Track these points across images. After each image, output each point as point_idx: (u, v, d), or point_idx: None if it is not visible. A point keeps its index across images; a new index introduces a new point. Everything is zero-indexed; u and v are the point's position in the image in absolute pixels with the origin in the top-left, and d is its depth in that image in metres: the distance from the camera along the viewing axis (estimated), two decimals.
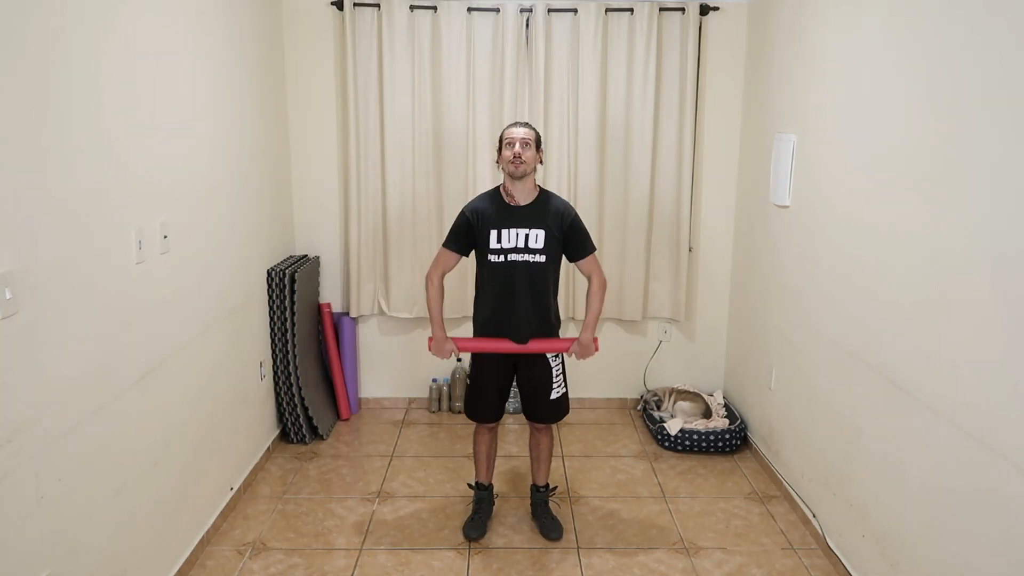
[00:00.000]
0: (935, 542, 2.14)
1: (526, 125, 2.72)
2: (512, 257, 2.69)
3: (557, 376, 2.83)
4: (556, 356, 2.82)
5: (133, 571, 2.28)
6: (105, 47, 2.10)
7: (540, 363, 2.80)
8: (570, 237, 2.74)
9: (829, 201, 2.83)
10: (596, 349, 2.82)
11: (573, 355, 2.82)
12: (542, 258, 2.70)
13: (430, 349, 2.81)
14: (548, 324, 2.78)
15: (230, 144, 3.04)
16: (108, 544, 2.15)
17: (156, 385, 2.42)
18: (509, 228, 2.70)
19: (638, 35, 3.73)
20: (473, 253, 2.81)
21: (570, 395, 2.99)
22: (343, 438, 3.83)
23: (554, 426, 3.18)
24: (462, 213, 2.77)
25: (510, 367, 2.84)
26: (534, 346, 2.74)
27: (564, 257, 2.79)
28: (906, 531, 2.29)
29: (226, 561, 2.74)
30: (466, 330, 3.80)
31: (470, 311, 3.62)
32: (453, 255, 2.78)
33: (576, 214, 2.76)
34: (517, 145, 2.65)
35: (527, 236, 2.69)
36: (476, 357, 2.85)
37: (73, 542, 1.97)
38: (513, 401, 4.00)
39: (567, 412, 2.91)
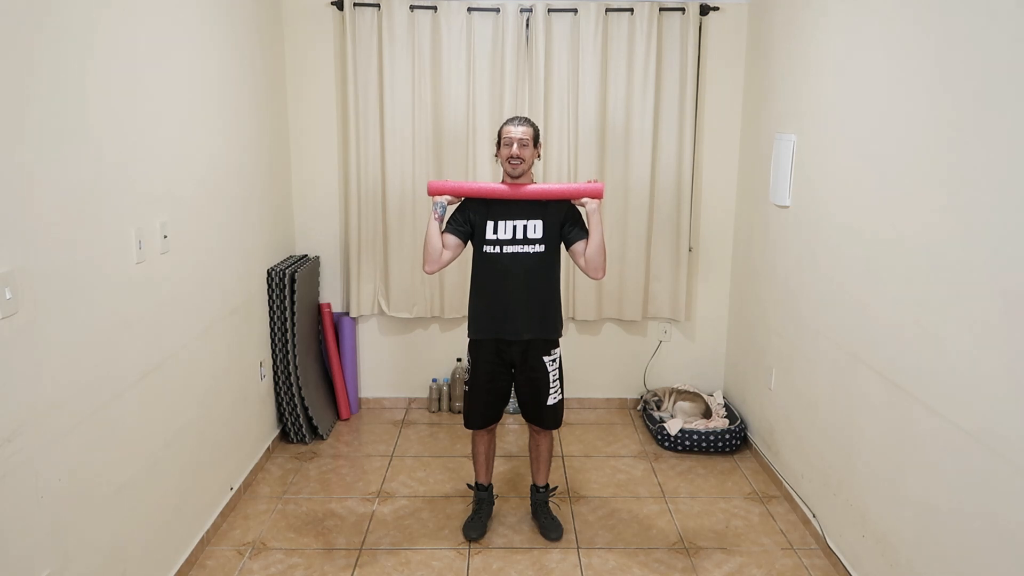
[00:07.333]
0: (935, 542, 2.14)
1: (524, 121, 2.70)
2: (508, 249, 2.68)
3: (554, 382, 2.81)
4: (554, 360, 2.81)
5: (133, 571, 2.28)
6: (105, 46, 2.10)
7: (538, 367, 2.79)
8: (568, 218, 2.72)
9: (829, 201, 2.83)
10: (600, 195, 2.67)
11: (584, 203, 2.68)
12: (541, 248, 2.69)
13: (430, 193, 2.72)
14: (548, 320, 2.76)
15: (230, 144, 3.04)
16: (108, 544, 2.15)
17: (156, 385, 2.42)
18: (505, 220, 2.69)
19: (638, 35, 3.74)
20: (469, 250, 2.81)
21: (571, 395, 2.98)
22: (343, 438, 3.83)
23: None
24: (463, 201, 2.77)
25: (508, 370, 2.83)
26: (534, 191, 2.66)
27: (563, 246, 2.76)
28: (906, 531, 2.29)
29: (226, 561, 2.74)
30: (465, 330, 3.79)
31: None
32: (450, 236, 2.73)
33: (573, 203, 2.75)
34: (515, 146, 2.64)
35: (525, 227, 2.68)
36: (473, 363, 2.84)
37: (73, 542, 1.97)
38: (512, 401, 3.99)
39: (562, 421, 2.90)
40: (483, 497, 3.00)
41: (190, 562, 2.66)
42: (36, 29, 1.80)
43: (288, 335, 3.58)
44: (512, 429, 3.96)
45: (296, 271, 3.57)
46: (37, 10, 1.80)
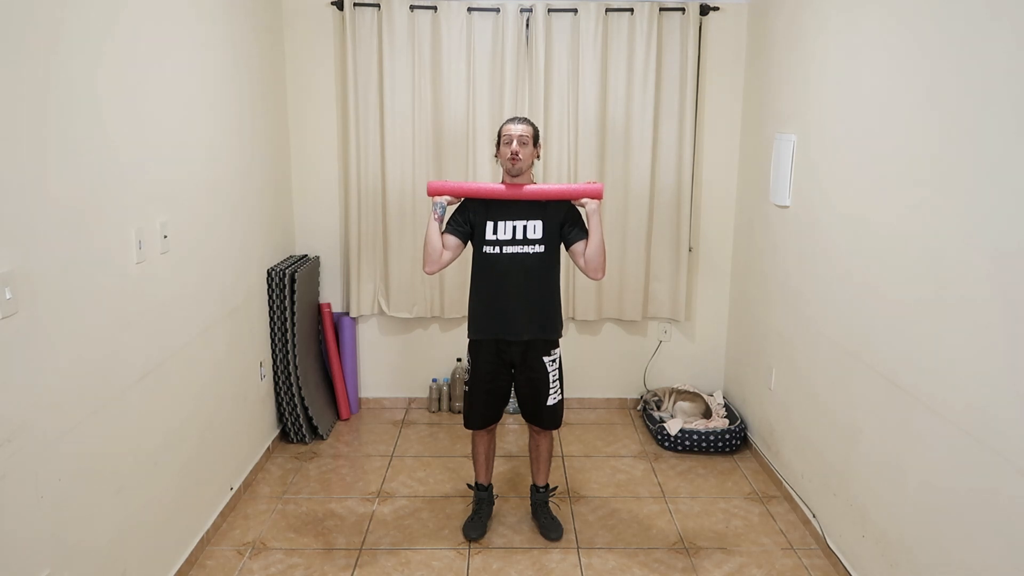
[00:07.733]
0: (935, 542, 2.14)
1: (524, 121, 2.71)
2: (507, 249, 2.69)
3: (554, 382, 2.82)
4: (554, 361, 2.81)
5: (133, 571, 2.28)
6: (105, 46, 2.10)
7: (537, 367, 2.79)
8: (568, 218, 2.72)
9: (829, 201, 2.83)
10: (599, 196, 2.67)
11: (584, 203, 2.67)
12: (540, 248, 2.69)
13: (429, 194, 2.72)
14: (547, 321, 2.76)
15: (230, 144, 3.04)
16: (108, 544, 2.15)
17: (156, 385, 2.42)
18: (505, 220, 2.69)
19: (638, 35, 3.74)
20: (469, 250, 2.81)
21: (571, 395, 2.97)
22: (343, 438, 3.83)
23: None
24: (463, 201, 2.78)
25: (507, 371, 2.83)
26: (534, 191, 2.66)
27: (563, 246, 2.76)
28: (906, 531, 2.29)
29: (226, 561, 2.74)
30: (465, 330, 3.80)
31: None
32: (450, 237, 2.74)
33: (572, 204, 2.75)
34: (515, 143, 2.65)
35: (524, 227, 2.68)
36: (473, 363, 2.84)
37: (73, 542, 1.97)
38: (512, 401, 3.99)
39: (561, 421, 2.90)
40: (483, 497, 3.00)
41: (190, 562, 2.66)
42: (35, 29, 1.80)
43: (288, 335, 3.58)
44: (512, 429, 3.96)
45: (296, 271, 3.57)
46: (33, 8, 1.80)
